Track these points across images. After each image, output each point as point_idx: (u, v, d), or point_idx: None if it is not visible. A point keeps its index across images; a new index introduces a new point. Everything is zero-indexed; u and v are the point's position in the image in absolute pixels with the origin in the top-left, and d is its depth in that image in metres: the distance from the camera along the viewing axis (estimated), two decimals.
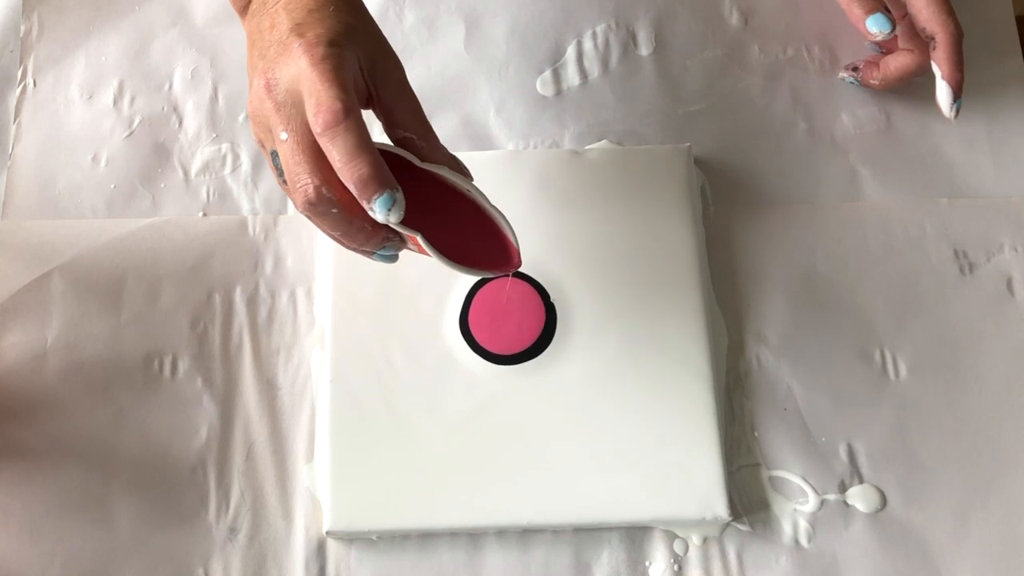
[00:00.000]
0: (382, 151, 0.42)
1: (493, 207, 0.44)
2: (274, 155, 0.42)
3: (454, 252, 0.43)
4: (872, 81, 0.58)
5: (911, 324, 0.54)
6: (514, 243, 0.44)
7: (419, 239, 0.42)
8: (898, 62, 0.56)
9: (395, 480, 0.49)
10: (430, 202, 0.43)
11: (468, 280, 0.53)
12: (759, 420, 0.52)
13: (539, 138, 0.58)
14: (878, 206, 0.57)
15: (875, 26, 0.53)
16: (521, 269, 0.53)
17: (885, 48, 0.58)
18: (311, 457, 0.51)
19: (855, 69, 0.58)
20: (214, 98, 0.58)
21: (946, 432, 0.52)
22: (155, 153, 0.57)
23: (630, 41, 0.60)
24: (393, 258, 0.44)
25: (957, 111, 0.54)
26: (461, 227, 0.44)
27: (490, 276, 0.45)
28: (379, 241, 0.43)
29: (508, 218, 0.44)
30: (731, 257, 0.55)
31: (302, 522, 0.50)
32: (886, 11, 0.53)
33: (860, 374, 0.53)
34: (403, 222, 0.40)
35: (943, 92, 0.54)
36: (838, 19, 0.60)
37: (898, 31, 0.55)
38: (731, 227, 0.56)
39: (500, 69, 0.59)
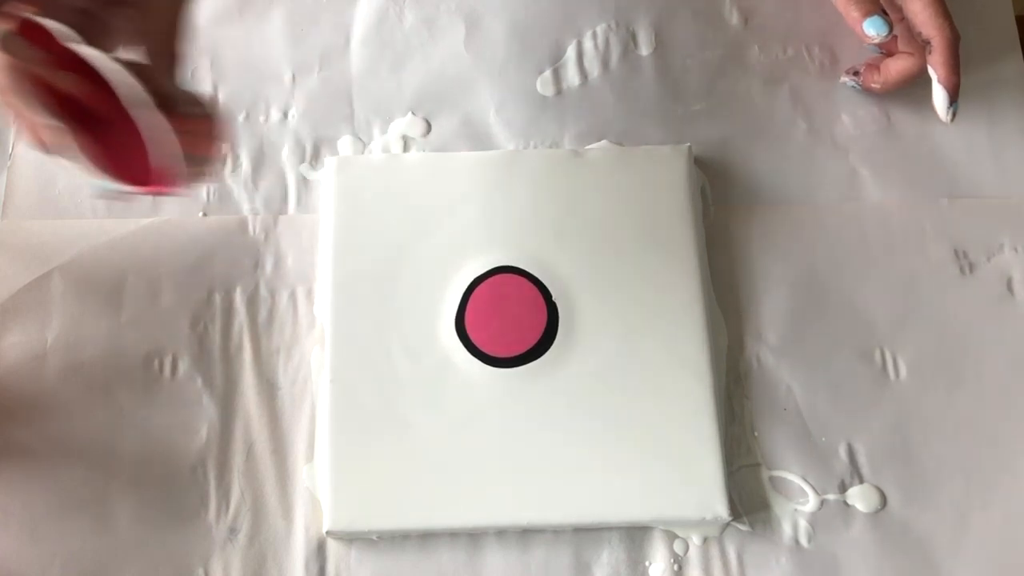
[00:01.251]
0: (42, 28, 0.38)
1: (153, 113, 0.39)
2: None
3: (116, 158, 0.39)
4: (873, 85, 0.58)
5: (911, 324, 0.54)
6: (160, 157, 0.39)
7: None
8: (898, 65, 0.56)
9: (395, 480, 0.49)
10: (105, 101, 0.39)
11: (466, 280, 0.53)
12: (759, 420, 0.52)
13: (539, 138, 0.58)
14: (878, 206, 0.57)
15: (872, 28, 0.53)
16: (522, 267, 0.53)
17: (885, 49, 0.58)
18: (311, 457, 0.51)
19: (856, 73, 0.58)
20: (214, 98, 0.58)
21: (946, 432, 0.52)
22: None
23: (630, 41, 0.60)
24: (105, 187, 0.40)
25: (953, 115, 0.55)
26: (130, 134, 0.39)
27: (135, 192, 0.40)
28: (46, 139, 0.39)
29: (168, 130, 0.39)
30: (731, 257, 0.55)
31: (302, 522, 0.50)
32: (883, 13, 0.53)
33: (860, 374, 0.53)
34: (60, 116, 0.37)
35: (939, 96, 0.54)
36: (838, 20, 0.60)
37: (896, 32, 0.55)
38: (731, 227, 0.56)
39: (500, 69, 0.59)
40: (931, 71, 0.54)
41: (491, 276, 0.53)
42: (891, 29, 0.53)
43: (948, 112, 0.54)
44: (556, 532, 0.50)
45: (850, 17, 0.54)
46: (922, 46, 0.55)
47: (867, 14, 0.53)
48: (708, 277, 0.54)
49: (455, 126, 0.58)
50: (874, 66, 0.58)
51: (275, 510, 0.50)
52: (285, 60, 0.59)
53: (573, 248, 0.54)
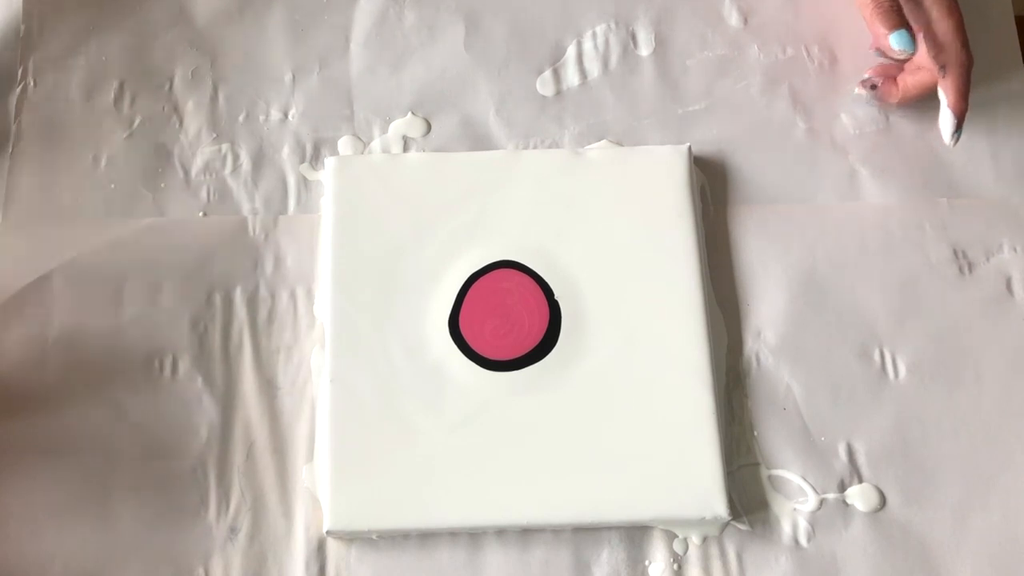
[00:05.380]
0: None
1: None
2: None
3: None
4: (890, 100, 0.57)
5: (911, 324, 0.54)
6: None
7: None
8: (916, 79, 0.56)
9: (395, 480, 0.49)
10: None
11: (464, 275, 0.53)
12: (759, 419, 0.52)
13: (539, 138, 0.58)
14: (878, 206, 0.57)
15: (899, 44, 0.53)
16: (523, 263, 0.53)
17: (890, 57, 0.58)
18: (311, 457, 0.51)
19: (873, 87, 0.58)
20: (214, 98, 0.58)
21: (946, 432, 0.52)
22: (155, 153, 0.57)
23: (630, 41, 0.60)
24: None
25: (957, 140, 0.55)
26: None
27: None
28: None
29: None
30: (731, 257, 0.55)
31: (302, 522, 0.50)
32: (908, 28, 0.53)
33: (860, 374, 0.53)
34: None
35: (946, 120, 0.54)
36: (838, 20, 0.60)
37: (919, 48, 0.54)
38: (731, 227, 0.56)
39: (500, 69, 0.60)
40: (941, 94, 0.54)
41: (491, 271, 0.53)
42: (916, 47, 0.53)
43: (953, 138, 0.54)
44: (556, 532, 0.50)
45: (875, 29, 0.54)
46: (937, 66, 0.54)
47: (894, 27, 0.53)
48: (708, 277, 0.54)
49: (455, 126, 0.58)
50: (891, 80, 0.57)
51: (275, 510, 0.50)
52: (285, 60, 0.59)
53: (573, 248, 0.54)
